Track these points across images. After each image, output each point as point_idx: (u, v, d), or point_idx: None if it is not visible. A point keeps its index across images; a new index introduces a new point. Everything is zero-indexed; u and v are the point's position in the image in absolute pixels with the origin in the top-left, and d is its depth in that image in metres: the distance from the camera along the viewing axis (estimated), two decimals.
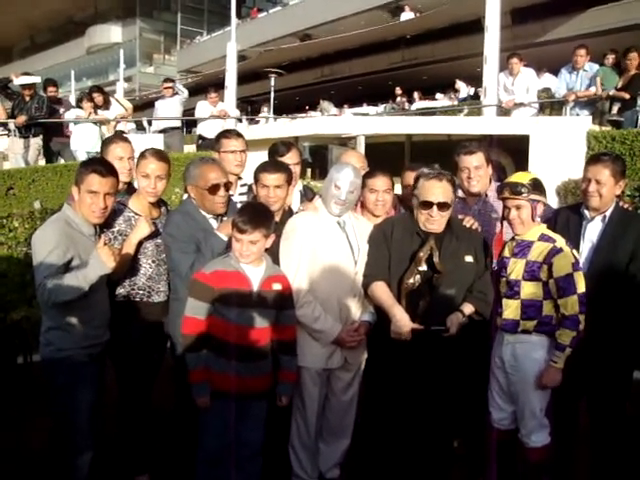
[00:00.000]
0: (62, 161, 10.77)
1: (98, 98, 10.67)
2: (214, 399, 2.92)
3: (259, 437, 3.02)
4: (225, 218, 3.29)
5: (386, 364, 3.22)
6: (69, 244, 2.81)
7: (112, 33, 39.91)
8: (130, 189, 3.57)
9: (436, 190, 3.13)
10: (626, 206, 3.44)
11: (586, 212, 3.32)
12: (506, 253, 3.21)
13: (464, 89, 18.07)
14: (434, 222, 3.16)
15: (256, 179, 3.33)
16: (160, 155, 3.29)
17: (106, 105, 10.76)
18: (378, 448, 3.36)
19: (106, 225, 3.12)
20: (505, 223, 3.31)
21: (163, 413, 3.64)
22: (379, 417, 3.32)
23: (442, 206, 3.13)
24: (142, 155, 3.27)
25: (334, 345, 3.20)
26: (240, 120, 13.77)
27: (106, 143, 3.62)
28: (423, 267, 3.10)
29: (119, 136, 3.96)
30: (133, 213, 3.24)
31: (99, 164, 2.96)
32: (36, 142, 10.34)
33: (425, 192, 3.16)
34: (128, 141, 3.62)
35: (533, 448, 3.15)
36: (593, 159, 3.33)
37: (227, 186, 3.25)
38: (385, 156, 7.83)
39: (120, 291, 3.21)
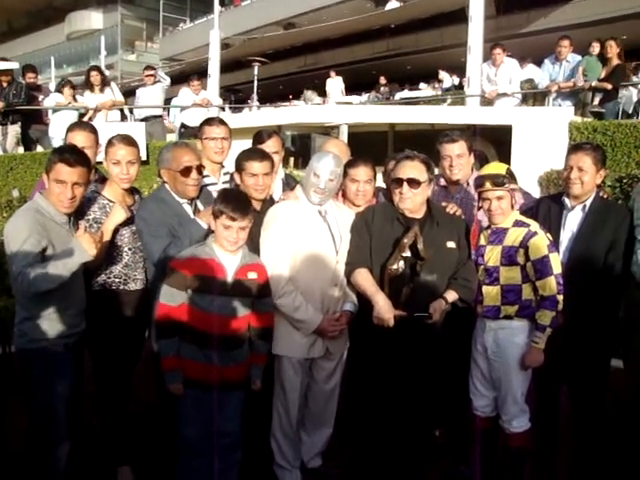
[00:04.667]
0: (41, 149, 10.60)
1: (96, 77, 10.44)
2: (190, 388, 2.89)
3: (237, 427, 3.00)
4: (198, 202, 3.29)
5: (368, 352, 3.22)
6: (42, 232, 2.75)
7: (93, 19, 39.35)
8: (98, 175, 3.52)
9: (406, 168, 3.17)
10: (605, 196, 3.47)
11: (567, 201, 3.35)
12: (482, 242, 3.25)
13: (447, 79, 18.10)
14: (405, 200, 3.16)
15: (241, 168, 3.28)
16: (128, 140, 3.24)
17: (102, 87, 10.54)
18: (360, 437, 3.37)
19: (81, 213, 3.07)
20: (480, 212, 3.34)
21: (144, 403, 3.61)
22: (362, 406, 3.33)
23: (412, 182, 3.13)
24: (110, 142, 3.22)
25: (315, 335, 3.19)
26: (223, 109, 13.67)
27: (68, 130, 3.56)
28: (407, 253, 3.10)
29: (81, 124, 3.87)
30: (107, 200, 3.21)
31: (69, 152, 2.87)
32: (14, 129, 10.16)
33: (396, 171, 3.22)
34: (91, 130, 3.54)
35: (514, 433, 3.19)
36: (575, 148, 3.37)
37: (199, 169, 3.25)
38: (368, 145, 7.82)
39: (96, 280, 3.17)
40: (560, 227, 3.33)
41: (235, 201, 2.89)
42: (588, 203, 3.29)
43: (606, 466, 3.32)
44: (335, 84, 18.70)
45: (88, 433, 3.28)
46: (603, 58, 8.92)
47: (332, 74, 19.04)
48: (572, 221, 3.32)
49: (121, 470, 3.32)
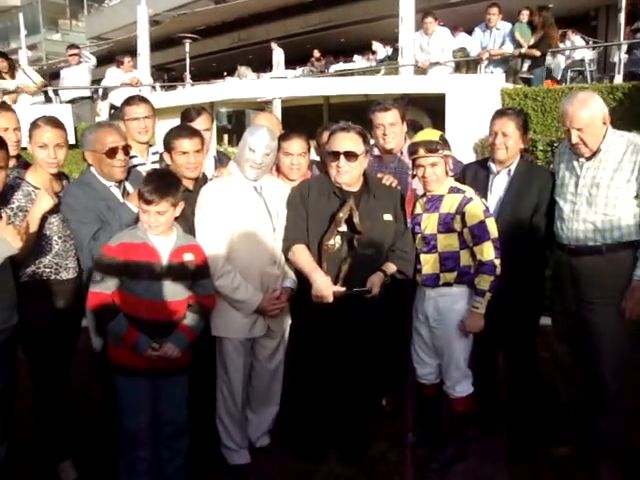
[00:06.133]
0: None
1: (2, 64, 9.91)
2: (123, 376, 2.81)
3: (181, 414, 2.92)
4: (127, 184, 3.18)
5: (310, 328, 3.20)
6: None
7: None
8: (20, 161, 3.35)
9: (342, 140, 3.13)
10: (530, 159, 3.53)
11: (492, 166, 3.39)
12: (418, 210, 3.26)
13: (381, 50, 18.06)
14: (343, 174, 3.13)
15: (170, 147, 3.17)
16: (55, 122, 3.09)
17: (11, 72, 10.00)
18: (307, 412, 3.36)
19: (3, 201, 2.90)
20: (414, 181, 3.34)
21: (83, 395, 3.51)
22: (306, 382, 3.32)
23: (349, 155, 3.10)
24: (35, 124, 3.05)
25: (256, 314, 3.14)
26: (154, 88, 13.28)
27: None
28: (343, 228, 3.08)
29: (1, 105, 3.69)
30: (32, 187, 3.03)
31: None
32: None
33: (332, 143, 3.17)
34: (12, 110, 3.37)
35: (458, 398, 3.25)
36: (498, 113, 3.40)
37: (126, 149, 3.13)
38: (303, 119, 7.76)
39: (25, 271, 3.02)
40: (487, 192, 3.36)
41: (153, 183, 2.75)
42: (513, 167, 3.33)
43: (542, 426, 3.43)
44: (277, 55, 18.53)
45: (26, 430, 3.16)
46: (532, 26, 9.12)
47: (274, 45, 18.81)
48: (498, 185, 3.36)
49: (62, 465, 3.22)
